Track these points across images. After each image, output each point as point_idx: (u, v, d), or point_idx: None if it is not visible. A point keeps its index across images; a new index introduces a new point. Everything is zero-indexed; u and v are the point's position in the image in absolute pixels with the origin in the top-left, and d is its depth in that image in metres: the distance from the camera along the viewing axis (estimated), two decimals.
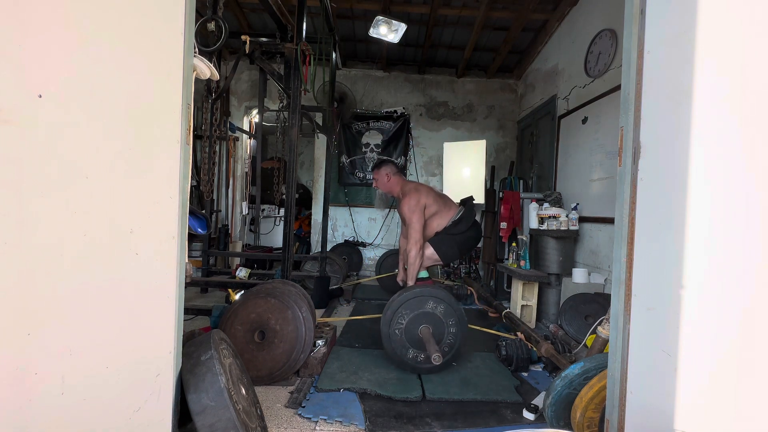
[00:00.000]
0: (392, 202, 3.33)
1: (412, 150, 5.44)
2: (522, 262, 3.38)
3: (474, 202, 3.23)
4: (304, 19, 2.60)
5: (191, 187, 1.66)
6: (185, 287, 1.31)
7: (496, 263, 4.24)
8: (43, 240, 1.11)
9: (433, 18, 4.20)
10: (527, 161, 4.94)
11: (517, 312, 3.28)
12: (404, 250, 3.14)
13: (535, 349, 2.35)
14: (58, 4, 1.11)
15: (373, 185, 3.28)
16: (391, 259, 4.59)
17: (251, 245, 5.58)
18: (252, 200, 5.34)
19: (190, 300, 3.65)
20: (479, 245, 4.13)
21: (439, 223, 3.01)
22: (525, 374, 2.27)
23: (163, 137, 1.18)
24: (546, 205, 3.47)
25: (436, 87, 5.48)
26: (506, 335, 2.64)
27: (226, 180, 5.15)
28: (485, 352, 2.56)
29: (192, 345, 1.31)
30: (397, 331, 2.17)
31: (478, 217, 4.95)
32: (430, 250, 2.95)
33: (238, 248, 5.16)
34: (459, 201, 3.21)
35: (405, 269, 3.09)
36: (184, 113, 1.20)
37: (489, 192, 4.53)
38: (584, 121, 3.59)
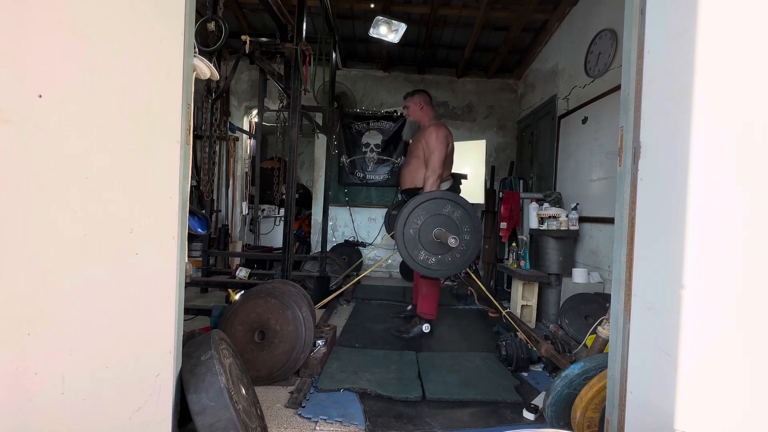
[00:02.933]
0: (402, 156, 3.20)
1: None
2: (522, 262, 3.38)
3: (464, 179, 3.17)
4: (304, 19, 2.60)
5: (191, 187, 1.66)
6: (185, 287, 1.31)
7: (496, 263, 4.24)
8: (43, 240, 1.11)
9: (433, 18, 4.20)
10: (527, 161, 4.94)
11: (517, 312, 3.28)
12: (405, 179, 3.01)
13: (535, 349, 2.35)
14: (59, 5, 1.11)
15: (404, 113, 3.20)
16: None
17: (251, 245, 5.58)
18: (252, 200, 5.34)
19: (190, 300, 3.65)
20: (481, 245, 4.12)
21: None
22: (525, 374, 2.27)
23: (163, 137, 1.18)
24: (546, 205, 3.47)
25: (436, 87, 5.48)
26: (506, 335, 2.64)
27: (226, 180, 5.15)
28: (485, 352, 2.56)
29: (192, 345, 1.31)
30: (411, 231, 2.10)
31: (479, 218, 4.96)
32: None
33: (238, 248, 5.16)
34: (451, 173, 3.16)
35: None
36: (184, 113, 1.20)
37: (489, 192, 4.54)
38: (584, 121, 3.59)
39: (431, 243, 2.06)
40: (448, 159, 2.93)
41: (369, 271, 3.76)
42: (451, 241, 1.84)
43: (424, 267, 2.07)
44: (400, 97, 5.45)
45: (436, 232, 2.06)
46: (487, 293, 3.03)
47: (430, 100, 3.14)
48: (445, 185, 2.93)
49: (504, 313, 2.89)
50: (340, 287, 3.86)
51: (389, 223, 4.47)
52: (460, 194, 3.04)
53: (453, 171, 3.12)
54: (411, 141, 3.21)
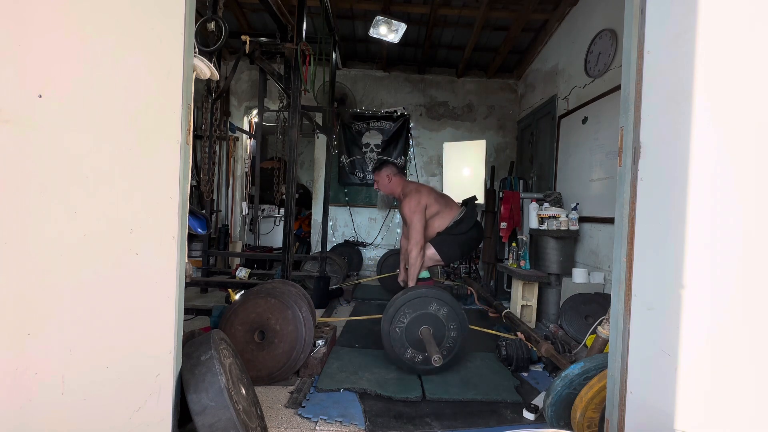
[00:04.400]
0: (394, 202, 3.32)
1: (412, 150, 5.44)
2: (522, 262, 3.38)
3: (476, 202, 3.22)
4: (304, 19, 2.60)
5: (191, 187, 1.66)
6: (185, 287, 1.31)
7: (496, 263, 4.24)
8: (43, 240, 1.11)
9: (433, 18, 4.20)
10: (527, 161, 4.94)
11: (517, 312, 3.28)
12: (405, 250, 3.14)
13: (535, 349, 2.35)
14: (59, 4, 1.11)
15: (375, 187, 3.27)
16: (393, 259, 4.59)
17: (251, 245, 5.58)
18: (252, 200, 5.34)
19: (190, 300, 3.65)
20: (480, 245, 4.13)
21: (440, 224, 3.01)
22: (525, 374, 2.27)
23: (163, 137, 1.18)
24: (546, 205, 3.47)
25: (436, 87, 5.48)
26: (506, 335, 2.64)
27: (226, 180, 5.15)
28: (485, 352, 2.56)
29: (192, 345, 1.31)
30: (397, 330, 2.17)
31: (478, 217, 4.96)
32: (431, 251, 2.94)
33: (238, 248, 5.16)
34: (462, 201, 3.20)
35: (406, 269, 3.09)
36: (184, 113, 1.20)
37: (489, 192, 4.54)
38: (584, 121, 3.59)
39: (418, 341, 2.16)
40: (440, 205, 3.01)
41: (368, 279, 3.76)
42: (435, 360, 1.94)
43: (411, 365, 2.19)
44: (400, 97, 5.47)
45: (423, 331, 2.16)
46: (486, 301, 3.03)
47: (398, 170, 3.23)
48: (458, 216, 3.01)
49: (504, 312, 2.89)
50: (341, 289, 3.86)
51: (380, 270, 4.48)
52: (477, 216, 3.13)
53: (466, 197, 3.18)
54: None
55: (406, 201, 2.97)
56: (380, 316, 2.28)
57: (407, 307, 2.18)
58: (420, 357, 2.16)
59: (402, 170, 5.24)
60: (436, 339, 2.15)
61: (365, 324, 3.06)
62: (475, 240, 3.10)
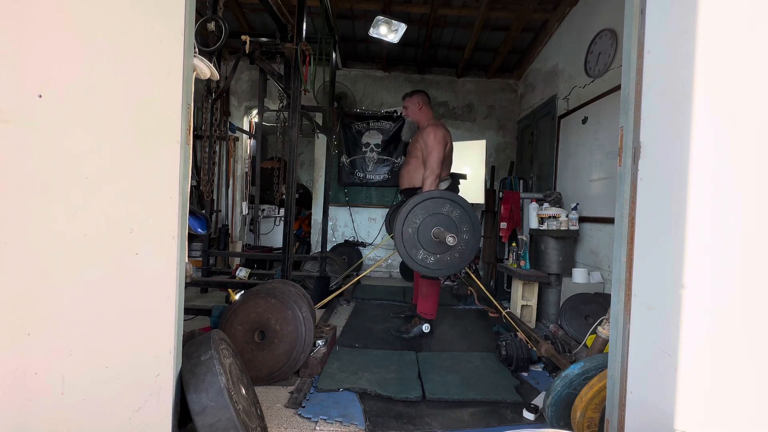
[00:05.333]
0: (402, 156, 3.18)
1: None
2: (522, 262, 3.38)
3: (462, 179, 3.17)
4: (304, 19, 2.60)
5: (191, 187, 1.66)
6: (185, 287, 1.31)
7: (496, 263, 4.24)
8: (43, 240, 1.11)
9: (433, 18, 4.20)
10: (527, 161, 4.94)
11: (517, 312, 3.28)
12: (408, 178, 3.01)
13: (535, 349, 2.35)
14: (58, 5, 1.11)
15: (403, 114, 3.17)
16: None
17: (251, 245, 5.58)
18: (252, 200, 5.34)
19: (190, 300, 3.65)
20: (479, 245, 4.12)
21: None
22: (525, 374, 2.27)
23: (163, 137, 1.18)
24: (546, 205, 3.47)
25: (436, 87, 5.48)
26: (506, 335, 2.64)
27: (226, 180, 5.15)
28: (485, 352, 2.56)
29: (192, 345, 1.31)
30: (410, 230, 2.09)
31: (477, 217, 4.95)
32: None
33: (238, 248, 5.16)
34: (450, 173, 3.14)
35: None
36: (184, 113, 1.20)
37: (489, 192, 4.54)
38: (584, 121, 3.59)
39: (430, 242, 2.06)
40: (446, 159, 2.93)
41: (369, 270, 3.76)
42: (449, 240, 1.83)
43: (423, 266, 2.07)
44: (400, 97, 5.43)
45: (435, 231, 2.06)
46: (488, 294, 3.03)
47: (429, 101, 3.13)
48: (444, 185, 2.92)
49: (504, 312, 2.89)
50: (340, 287, 3.86)
51: (390, 224, 4.47)
52: (459, 194, 3.06)
53: (452, 171, 3.12)
54: (410, 141, 3.20)
55: (434, 129, 2.84)
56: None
57: (420, 208, 2.09)
58: (431, 258, 2.07)
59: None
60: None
61: (365, 324, 3.06)
62: None
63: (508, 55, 5.03)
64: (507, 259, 3.71)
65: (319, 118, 4.05)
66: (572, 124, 3.83)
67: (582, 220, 3.43)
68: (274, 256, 4.46)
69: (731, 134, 0.98)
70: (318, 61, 3.20)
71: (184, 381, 1.21)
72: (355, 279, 3.48)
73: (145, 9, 1.16)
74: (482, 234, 4.48)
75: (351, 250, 5.23)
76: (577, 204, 3.44)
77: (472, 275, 3.33)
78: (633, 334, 1.15)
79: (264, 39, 2.76)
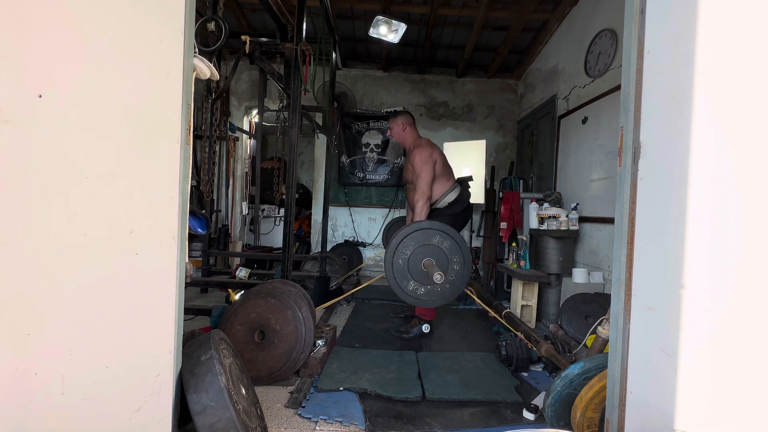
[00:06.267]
0: (401, 156, 3.19)
1: None
2: (522, 262, 3.38)
3: (471, 182, 3.17)
4: (304, 19, 2.60)
5: (191, 187, 1.66)
6: (185, 287, 1.31)
7: (496, 263, 4.24)
8: (43, 240, 1.11)
9: (433, 18, 4.20)
10: (527, 161, 4.94)
11: (517, 312, 3.28)
12: (411, 204, 3.03)
13: (535, 349, 2.35)
14: (59, 4, 1.11)
15: (387, 134, 3.22)
16: (398, 226, 4.57)
17: (251, 245, 5.58)
18: (252, 200, 5.34)
19: (190, 300, 3.65)
20: (479, 245, 4.14)
21: (437, 189, 2.95)
22: (525, 374, 2.27)
23: (163, 137, 1.18)
24: (546, 205, 3.47)
25: (436, 87, 5.48)
26: (506, 335, 2.64)
27: (226, 180, 5.15)
28: (485, 352, 2.56)
29: (192, 345, 1.31)
30: (400, 261, 2.10)
31: (477, 217, 4.96)
32: None
33: (238, 248, 5.16)
34: (456, 179, 3.15)
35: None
36: (184, 113, 1.20)
37: (489, 192, 4.54)
38: (584, 121, 3.59)
39: (421, 273, 2.09)
40: (443, 169, 2.96)
41: (374, 280, 3.77)
42: (437, 277, 1.87)
43: (414, 297, 2.11)
44: (400, 97, 5.46)
45: (425, 262, 2.08)
46: (482, 304, 3.02)
47: (413, 121, 3.17)
48: (452, 195, 2.95)
49: (501, 318, 2.89)
50: (340, 288, 3.86)
51: (387, 239, 4.47)
52: (470, 198, 3.07)
53: (458, 176, 3.13)
54: (404, 166, 3.23)
55: (418, 151, 2.90)
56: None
57: (410, 239, 2.11)
58: (422, 290, 2.09)
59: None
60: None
61: (365, 324, 3.06)
62: (464, 219, 3.09)
63: (508, 55, 5.03)
64: (507, 259, 3.71)
65: (319, 118, 4.05)
66: (572, 124, 3.83)
67: (582, 220, 3.43)
68: (274, 256, 4.46)
69: (731, 134, 0.98)
70: (318, 61, 3.20)
71: (184, 381, 1.21)
72: (360, 286, 3.47)
73: (145, 9, 1.16)
74: (482, 234, 4.49)
75: (351, 250, 5.23)
76: (577, 204, 3.44)
77: (472, 294, 3.30)
78: (633, 334, 1.15)
79: (264, 39, 2.76)
